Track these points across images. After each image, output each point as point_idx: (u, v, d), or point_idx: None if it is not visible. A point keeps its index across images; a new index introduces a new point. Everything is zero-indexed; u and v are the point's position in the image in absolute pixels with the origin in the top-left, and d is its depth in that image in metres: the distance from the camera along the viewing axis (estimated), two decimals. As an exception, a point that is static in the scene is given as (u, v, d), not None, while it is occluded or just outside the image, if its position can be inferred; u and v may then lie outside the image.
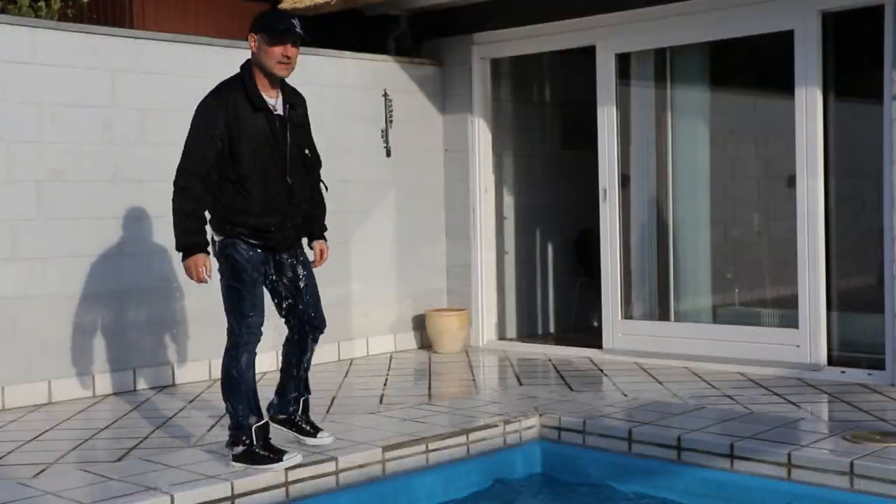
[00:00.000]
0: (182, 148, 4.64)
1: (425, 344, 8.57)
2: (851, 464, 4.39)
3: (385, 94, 8.35)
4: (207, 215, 4.68)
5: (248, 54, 4.80)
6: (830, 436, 4.92)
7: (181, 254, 4.59)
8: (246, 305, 4.66)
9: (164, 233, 7.01)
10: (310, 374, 5.01)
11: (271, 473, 4.42)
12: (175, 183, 4.58)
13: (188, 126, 4.72)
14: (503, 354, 8.22)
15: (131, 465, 4.72)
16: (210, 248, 4.70)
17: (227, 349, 4.69)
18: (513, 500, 5.09)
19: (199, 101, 4.68)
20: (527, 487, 5.23)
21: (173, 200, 4.57)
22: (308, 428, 4.97)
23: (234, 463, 4.57)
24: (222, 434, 5.41)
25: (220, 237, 4.68)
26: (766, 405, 5.89)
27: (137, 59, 6.92)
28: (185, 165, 4.59)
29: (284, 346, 4.97)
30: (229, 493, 4.26)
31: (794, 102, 6.87)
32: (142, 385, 6.91)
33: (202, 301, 7.21)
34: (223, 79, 4.86)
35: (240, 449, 4.59)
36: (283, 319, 4.93)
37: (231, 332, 4.69)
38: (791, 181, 7.00)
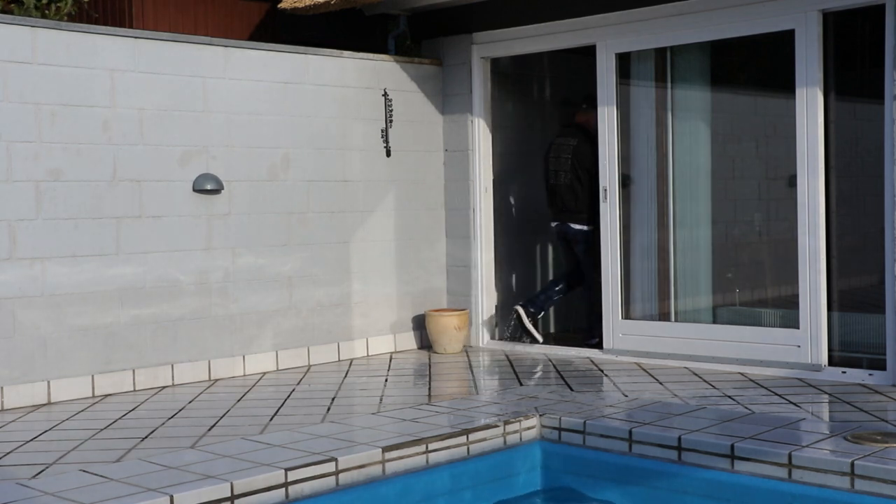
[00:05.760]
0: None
1: (425, 344, 8.57)
2: (852, 464, 4.38)
3: (385, 94, 8.34)
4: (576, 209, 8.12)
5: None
6: (831, 436, 4.91)
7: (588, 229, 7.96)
8: None
9: (163, 232, 7.02)
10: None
11: (271, 474, 4.40)
12: None
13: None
14: (503, 355, 8.21)
15: (131, 465, 4.71)
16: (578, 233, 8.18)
17: (591, 285, 8.12)
18: (513, 500, 5.09)
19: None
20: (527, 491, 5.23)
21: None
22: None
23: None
24: (222, 434, 5.44)
25: (591, 227, 8.08)
26: (766, 405, 5.88)
27: (137, 59, 6.92)
28: None
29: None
30: (229, 494, 4.25)
31: (795, 102, 6.87)
32: (141, 385, 6.91)
33: (201, 301, 7.21)
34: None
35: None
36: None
37: (591, 277, 8.09)
38: (792, 181, 7.00)
